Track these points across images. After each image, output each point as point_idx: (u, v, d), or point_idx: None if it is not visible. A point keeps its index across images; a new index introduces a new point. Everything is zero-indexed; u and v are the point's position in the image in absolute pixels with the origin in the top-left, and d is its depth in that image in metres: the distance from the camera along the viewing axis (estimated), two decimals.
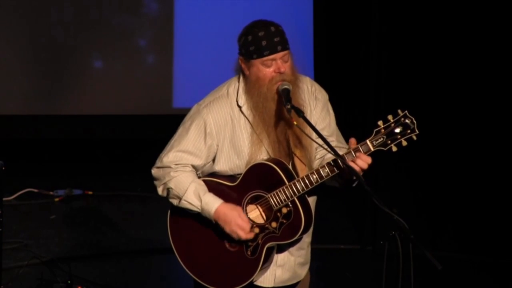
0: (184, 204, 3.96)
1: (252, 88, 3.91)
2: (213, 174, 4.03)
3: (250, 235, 3.92)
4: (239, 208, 3.93)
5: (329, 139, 3.98)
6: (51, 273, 6.28)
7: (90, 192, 8.80)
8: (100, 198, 8.74)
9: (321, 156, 4.03)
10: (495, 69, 7.40)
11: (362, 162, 3.79)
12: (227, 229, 3.92)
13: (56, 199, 8.62)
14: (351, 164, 3.77)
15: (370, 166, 3.83)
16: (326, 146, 3.79)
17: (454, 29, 7.42)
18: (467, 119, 7.48)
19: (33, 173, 9.22)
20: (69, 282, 6.02)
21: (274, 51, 3.84)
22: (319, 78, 4.13)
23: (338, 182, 3.95)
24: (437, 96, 7.48)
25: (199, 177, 4.02)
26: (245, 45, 3.88)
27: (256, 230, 3.93)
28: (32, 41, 9.82)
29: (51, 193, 8.68)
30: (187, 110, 4.06)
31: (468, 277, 6.78)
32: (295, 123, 3.82)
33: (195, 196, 3.94)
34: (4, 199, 5.64)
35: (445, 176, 7.55)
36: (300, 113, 3.80)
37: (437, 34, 7.44)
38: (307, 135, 3.88)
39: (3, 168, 4.97)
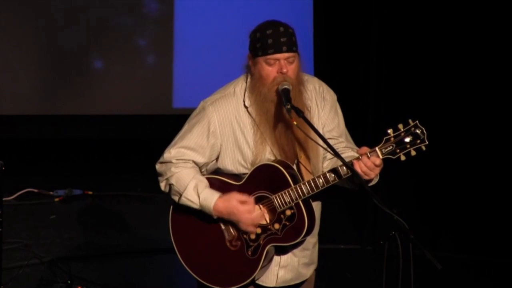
0: (184, 201, 3.95)
1: (254, 86, 3.91)
2: (218, 172, 4.02)
3: (259, 215, 3.88)
4: (234, 195, 3.89)
5: (338, 140, 4.00)
6: (51, 273, 6.28)
7: (90, 192, 8.80)
8: (100, 198, 8.74)
9: (332, 156, 4.00)
10: (494, 74, 7.40)
11: (362, 165, 3.79)
12: (234, 219, 3.90)
13: (56, 199, 8.62)
14: (355, 166, 3.78)
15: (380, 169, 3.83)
16: (326, 146, 3.80)
17: (454, 31, 7.43)
18: (467, 120, 7.48)
19: (33, 173, 9.21)
20: (69, 282, 6.02)
21: (278, 50, 3.83)
22: (319, 79, 4.12)
23: (350, 186, 3.95)
24: (437, 98, 7.49)
25: (203, 175, 4.00)
26: (253, 41, 3.89)
27: (258, 230, 3.93)
28: (32, 42, 9.81)
29: (51, 193, 8.68)
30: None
31: (468, 277, 6.78)
32: (295, 123, 3.81)
33: (195, 192, 3.92)
34: (4, 199, 5.64)
35: (445, 177, 7.55)
36: (300, 113, 3.79)
37: (437, 36, 7.45)
38: (307, 135, 3.87)
39: (3, 168, 4.96)
